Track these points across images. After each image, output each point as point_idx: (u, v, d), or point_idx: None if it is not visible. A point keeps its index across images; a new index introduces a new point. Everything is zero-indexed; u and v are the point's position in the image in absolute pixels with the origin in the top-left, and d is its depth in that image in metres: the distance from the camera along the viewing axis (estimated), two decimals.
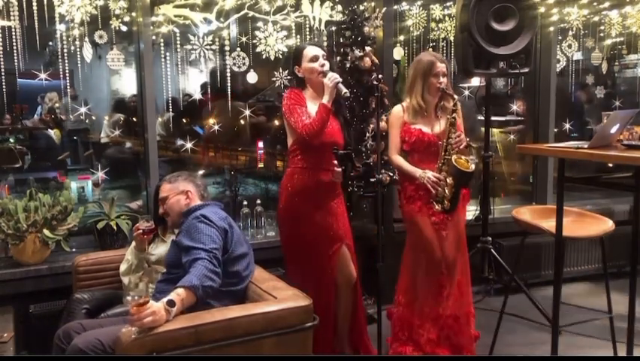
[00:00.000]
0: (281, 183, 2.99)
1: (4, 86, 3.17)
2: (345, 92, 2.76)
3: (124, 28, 3.35)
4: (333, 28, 3.70)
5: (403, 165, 3.01)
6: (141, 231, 2.72)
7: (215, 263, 2.25)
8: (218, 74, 3.63)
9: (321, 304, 2.88)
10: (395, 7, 4.00)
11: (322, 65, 2.83)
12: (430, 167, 2.94)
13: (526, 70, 3.66)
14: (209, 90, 3.72)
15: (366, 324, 3.18)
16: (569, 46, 4.58)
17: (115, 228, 3.28)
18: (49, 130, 4.84)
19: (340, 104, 2.97)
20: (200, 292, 2.14)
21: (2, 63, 3.13)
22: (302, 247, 2.93)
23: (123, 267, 2.83)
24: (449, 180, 2.85)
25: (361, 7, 3.63)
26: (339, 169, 2.81)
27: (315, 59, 2.85)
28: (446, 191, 2.86)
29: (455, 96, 2.94)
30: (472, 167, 2.84)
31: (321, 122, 2.75)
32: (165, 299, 2.05)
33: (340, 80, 2.77)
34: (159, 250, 2.82)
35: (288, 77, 3.80)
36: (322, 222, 2.91)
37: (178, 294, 2.09)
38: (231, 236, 2.45)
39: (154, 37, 3.43)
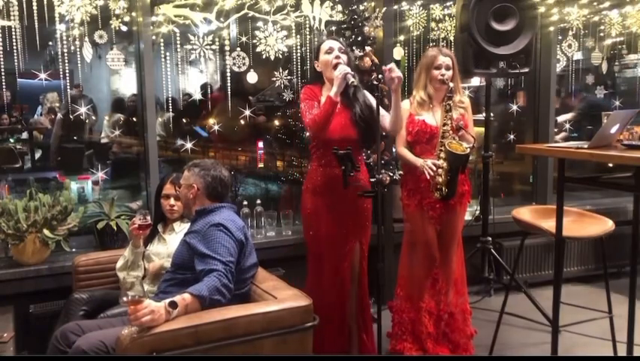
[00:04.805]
0: (304, 181, 3.03)
1: (4, 86, 3.17)
2: (353, 81, 2.72)
3: (124, 28, 3.34)
4: (333, 28, 3.70)
5: (407, 156, 3.02)
6: (137, 225, 2.71)
7: (230, 278, 2.24)
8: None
9: (336, 301, 2.94)
10: (395, 7, 3.99)
11: (337, 57, 2.82)
12: (432, 159, 2.94)
13: (526, 70, 3.66)
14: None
15: (372, 324, 3.18)
16: (569, 46, 4.58)
17: (115, 228, 3.27)
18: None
19: (352, 98, 2.90)
20: (207, 303, 2.13)
21: (2, 63, 3.13)
22: (320, 243, 2.94)
23: (119, 263, 2.84)
24: (444, 164, 2.85)
25: (361, 7, 3.63)
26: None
27: (329, 50, 2.85)
28: (442, 176, 2.86)
29: (464, 92, 2.94)
30: (467, 150, 2.80)
31: (325, 114, 2.75)
32: (168, 300, 2.05)
33: (349, 71, 2.73)
34: (160, 248, 2.82)
35: (288, 77, 3.80)
36: (339, 220, 2.91)
37: (184, 298, 2.09)
38: (246, 248, 2.44)
39: (154, 37, 3.43)
